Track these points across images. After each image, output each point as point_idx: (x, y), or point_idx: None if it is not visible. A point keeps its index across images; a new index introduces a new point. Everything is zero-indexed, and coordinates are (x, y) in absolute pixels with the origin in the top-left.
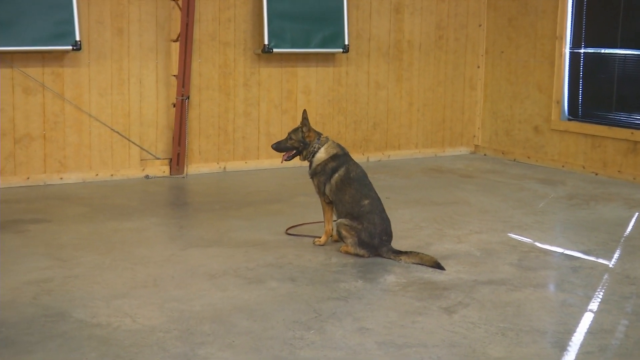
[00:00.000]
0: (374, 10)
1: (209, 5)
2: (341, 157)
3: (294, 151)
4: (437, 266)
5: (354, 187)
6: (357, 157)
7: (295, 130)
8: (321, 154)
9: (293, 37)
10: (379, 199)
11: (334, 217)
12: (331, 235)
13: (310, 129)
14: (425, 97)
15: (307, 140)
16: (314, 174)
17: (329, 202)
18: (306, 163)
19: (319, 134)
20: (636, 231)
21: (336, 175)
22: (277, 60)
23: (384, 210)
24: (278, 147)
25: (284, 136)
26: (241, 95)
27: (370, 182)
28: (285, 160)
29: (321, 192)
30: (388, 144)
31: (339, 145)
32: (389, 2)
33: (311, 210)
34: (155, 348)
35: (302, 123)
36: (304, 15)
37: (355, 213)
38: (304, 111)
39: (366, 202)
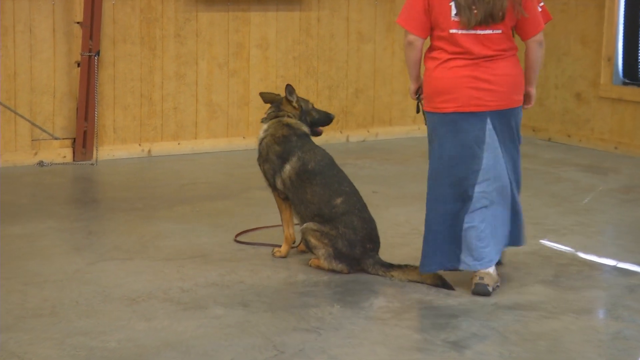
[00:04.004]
0: None
1: None
2: (290, 140)
3: None
4: (443, 285)
5: (317, 183)
6: (333, 136)
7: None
8: (261, 133)
9: None
10: (355, 193)
11: (296, 220)
12: (294, 242)
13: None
14: None
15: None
16: (258, 157)
17: (285, 198)
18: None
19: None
20: None
21: (287, 167)
22: (222, 2)
23: (365, 208)
24: None
25: (234, 107)
26: (172, 50)
27: (339, 171)
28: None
29: (271, 185)
30: (375, 119)
31: (288, 125)
32: None
33: (269, 208)
34: None
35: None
36: None
37: (325, 215)
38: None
39: (338, 200)
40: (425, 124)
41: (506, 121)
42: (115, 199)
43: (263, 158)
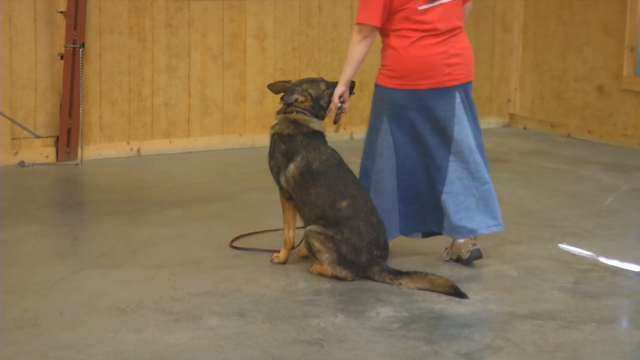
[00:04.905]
0: None
1: None
2: (295, 139)
3: None
4: (455, 293)
5: (321, 184)
6: (335, 133)
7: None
8: (270, 129)
9: None
10: (364, 195)
11: (300, 223)
12: (292, 246)
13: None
14: None
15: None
16: (268, 153)
17: (290, 198)
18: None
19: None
20: None
21: (291, 166)
22: None
23: (373, 212)
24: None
25: (229, 102)
26: (162, 41)
27: (346, 172)
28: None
29: (277, 183)
30: None
31: (294, 122)
32: None
33: (267, 211)
34: None
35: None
36: None
37: (329, 218)
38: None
39: (344, 204)
40: (337, 130)
41: (468, 93)
42: (101, 201)
43: (270, 154)
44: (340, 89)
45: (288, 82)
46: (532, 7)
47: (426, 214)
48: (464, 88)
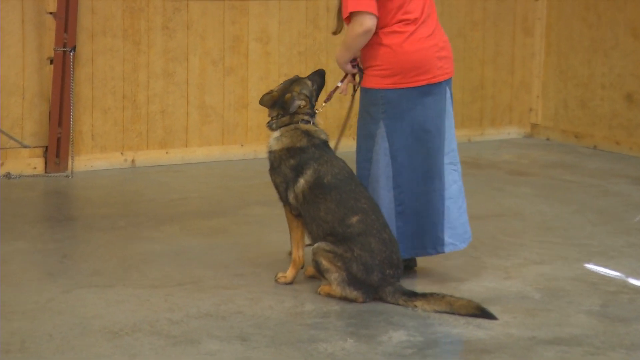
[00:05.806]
0: None
1: None
2: (307, 152)
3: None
4: (482, 314)
5: (331, 199)
6: (344, 143)
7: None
8: (272, 142)
9: None
10: (375, 210)
11: (307, 240)
12: (302, 267)
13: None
14: (453, 48)
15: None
16: (270, 168)
17: (298, 215)
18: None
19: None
20: None
21: (301, 180)
22: None
23: (385, 228)
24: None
25: (230, 110)
26: (159, 44)
27: (358, 186)
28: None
29: (283, 198)
30: None
31: (306, 133)
32: None
33: (271, 227)
34: None
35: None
36: None
37: (339, 234)
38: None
39: (354, 219)
40: (353, 94)
41: (451, 88)
42: (93, 216)
43: (274, 170)
44: (346, 66)
45: (270, 92)
46: (556, 8)
47: (425, 235)
48: (450, 83)
